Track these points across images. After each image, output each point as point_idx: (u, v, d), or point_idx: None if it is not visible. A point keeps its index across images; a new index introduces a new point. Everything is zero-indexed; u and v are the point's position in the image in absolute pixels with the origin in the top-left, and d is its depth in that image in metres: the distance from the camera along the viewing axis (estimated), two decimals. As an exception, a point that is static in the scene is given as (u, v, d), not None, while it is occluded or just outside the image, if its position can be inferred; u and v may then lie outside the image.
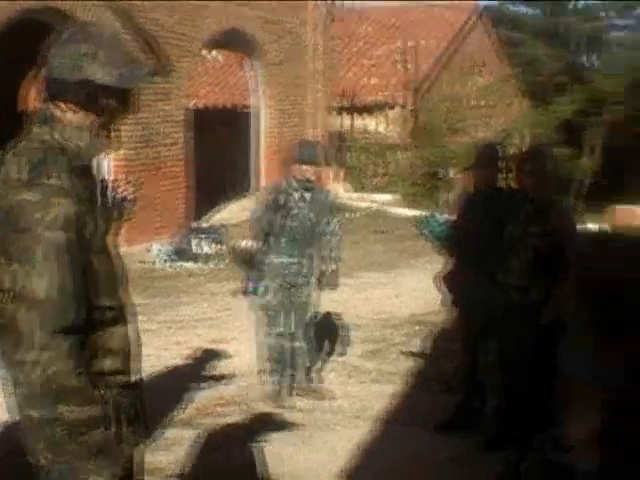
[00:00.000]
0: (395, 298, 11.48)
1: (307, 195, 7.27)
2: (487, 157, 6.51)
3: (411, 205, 20.62)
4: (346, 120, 24.52)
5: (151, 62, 4.11)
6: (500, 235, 6.04)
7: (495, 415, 6.44)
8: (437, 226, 6.90)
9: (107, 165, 13.36)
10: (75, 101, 2.85)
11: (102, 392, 2.78)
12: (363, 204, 20.34)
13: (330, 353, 8.73)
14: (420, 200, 21.55)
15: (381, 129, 24.72)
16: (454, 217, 6.94)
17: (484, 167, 6.44)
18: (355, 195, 21.59)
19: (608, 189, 24.73)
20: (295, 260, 7.26)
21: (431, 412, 6.97)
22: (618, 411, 3.18)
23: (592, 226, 9.63)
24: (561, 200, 6.66)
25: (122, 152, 13.56)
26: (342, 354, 8.81)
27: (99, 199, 2.96)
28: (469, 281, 6.39)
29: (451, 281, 6.61)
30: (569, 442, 3.72)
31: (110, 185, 3.22)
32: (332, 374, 8.15)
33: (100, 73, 2.81)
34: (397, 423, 6.95)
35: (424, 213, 6.81)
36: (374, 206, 20.12)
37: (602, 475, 3.30)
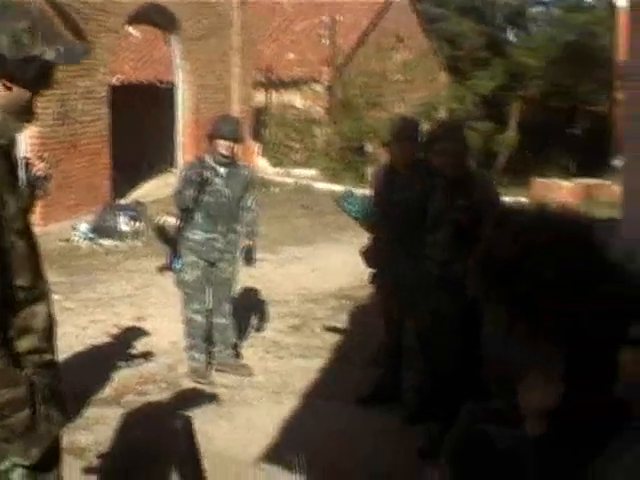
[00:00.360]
0: (318, 273, 11.47)
1: (227, 171, 7.23)
2: (404, 132, 6.45)
3: (332, 180, 20.68)
4: (266, 96, 24.42)
5: (76, 40, 4.05)
6: (418, 210, 6.07)
7: (419, 389, 6.49)
8: (354, 204, 6.84)
9: (23, 143, 13.10)
10: (16, 78, 2.76)
11: (25, 373, 2.73)
12: (287, 179, 20.35)
13: (251, 329, 8.71)
14: (340, 175, 21.60)
15: (300, 105, 24.67)
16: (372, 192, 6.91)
17: (402, 142, 6.39)
18: (278, 170, 21.58)
19: (529, 162, 25.08)
20: (214, 236, 7.22)
21: (354, 387, 6.98)
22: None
23: (509, 199, 9.74)
24: (482, 173, 6.67)
25: (38, 129, 13.35)
26: (262, 330, 8.81)
27: (19, 178, 2.91)
28: (390, 257, 6.41)
29: (371, 257, 6.62)
30: (494, 414, 3.77)
31: (25, 163, 3.15)
32: (253, 350, 8.13)
33: (42, 49, 2.74)
34: (319, 398, 6.96)
35: (343, 189, 6.69)
36: (298, 181, 20.13)
37: (527, 446, 3.34)
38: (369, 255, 6.64)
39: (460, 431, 3.60)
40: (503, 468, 3.41)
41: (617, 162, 18.35)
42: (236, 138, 7.25)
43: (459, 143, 5.62)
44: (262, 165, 21.37)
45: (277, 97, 24.67)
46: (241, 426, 6.32)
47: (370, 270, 6.71)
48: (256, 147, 21.67)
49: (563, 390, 3.03)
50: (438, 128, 5.94)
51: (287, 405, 6.73)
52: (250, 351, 8.08)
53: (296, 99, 24.76)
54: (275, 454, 5.79)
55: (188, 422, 5.40)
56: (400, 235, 6.26)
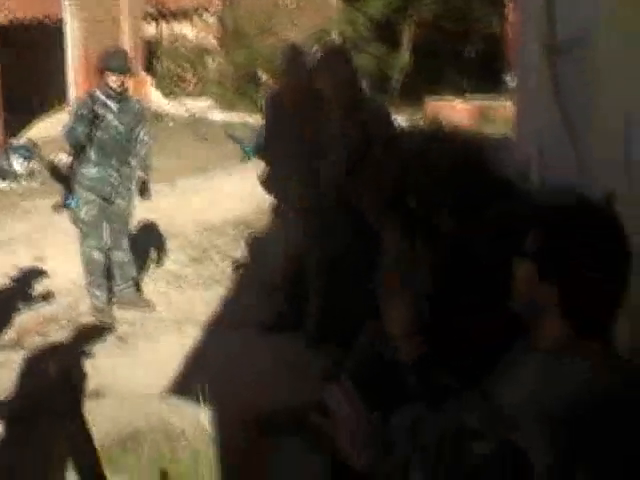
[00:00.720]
0: (216, 203, 11.36)
1: (118, 104, 7.14)
2: (292, 58, 6.43)
3: (226, 109, 20.51)
4: (157, 27, 23.99)
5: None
6: (307, 135, 6.11)
7: (318, 314, 6.55)
8: (243, 140, 6.77)
9: None
10: None
11: None
12: (181, 111, 20.10)
13: (151, 263, 8.67)
14: (235, 104, 21.41)
15: (192, 35, 24.31)
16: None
17: (291, 68, 6.36)
18: (172, 102, 21.30)
19: (424, 84, 25.17)
20: (108, 171, 7.14)
21: (256, 315, 7.05)
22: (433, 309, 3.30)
23: (404, 120, 9.78)
24: (373, 97, 6.67)
25: None
26: (162, 263, 8.77)
27: None
28: (287, 185, 6.40)
29: (269, 185, 6.61)
30: (393, 335, 3.85)
31: None
32: (153, 284, 8.10)
33: None
34: (223, 327, 7.00)
35: (237, 118, 6.63)
36: (192, 112, 19.91)
37: (424, 366, 3.43)
38: (267, 183, 6.63)
39: (359, 350, 3.68)
40: (393, 384, 3.50)
41: (508, 79, 18.57)
42: (125, 71, 7.14)
43: (346, 67, 5.61)
44: (155, 97, 21.05)
45: (168, 28, 24.25)
46: (145, 361, 6.32)
47: (270, 197, 6.71)
48: (148, 80, 21.33)
49: (428, 312, 3.11)
50: (325, 54, 5.89)
51: (190, 337, 6.75)
52: (151, 285, 8.05)
53: (187, 29, 24.38)
54: (180, 386, 5.82)
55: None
56: (291, 161, 6.27)
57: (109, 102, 7.08)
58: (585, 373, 2.21)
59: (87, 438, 5.01)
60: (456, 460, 2.17)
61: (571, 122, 4.66)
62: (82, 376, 5.89)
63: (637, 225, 2.69)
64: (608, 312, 2.37)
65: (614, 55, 3.36)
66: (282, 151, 6.42)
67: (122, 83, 7.11)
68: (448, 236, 3.40)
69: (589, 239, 2.29)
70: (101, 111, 7.01)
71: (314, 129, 6.08)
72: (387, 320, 3.00)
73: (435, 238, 3.51)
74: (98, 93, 7.14)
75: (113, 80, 7.03)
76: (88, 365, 6.10)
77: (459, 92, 23.37)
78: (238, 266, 8.58)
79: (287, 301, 6.87)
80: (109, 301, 7.36)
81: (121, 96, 7.14)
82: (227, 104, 21.60)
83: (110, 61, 7.10)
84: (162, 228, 9.71)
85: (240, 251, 9.08)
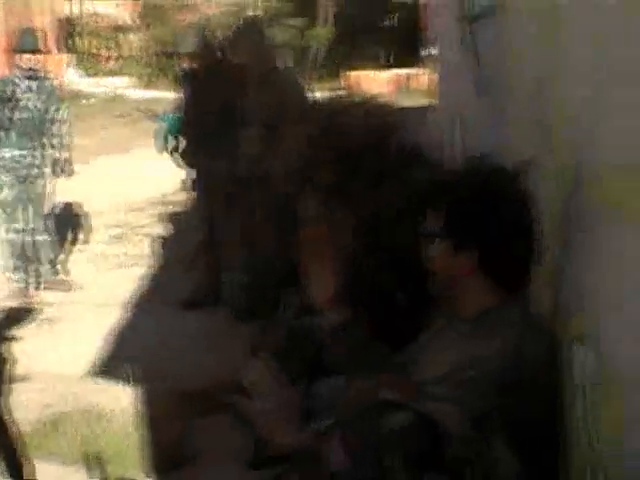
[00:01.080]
0: (136, 181, 11.22)
1: (33, 84, 7.02)
2: (203, 36, 6.31)
3: (146, 87, 20.31)
4: (75, 5, 23.61)
5: None
6: (224, 109, 6.07)
7: (241, 289, 6.53)
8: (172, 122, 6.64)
9: None
10: None
11: None
12: (101, 89, 19.84)
13: (71, 243, 8.56)
14: (155, 81, 21.21)
15: (110, 12, 23.98)
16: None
17: (203, 44, 6.26)
18: (90, 80, 21.01)
19: (344, 56, 25.15)
20: (27, 152, 7.04)
21: (177, 291, 7.03)
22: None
23: (324, 92, 9.74)
24: (288, 69, 6.62)
25: None
26: (83, 243, 8.67)
27: None
28: (204, 157, 6.34)
29: (188, 159, 6.54)
30: (313, 304, 3.85)
31: None
32: (75, 264, 8.00)
33: None
34: (147, 305, 6.96)
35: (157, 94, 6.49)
36: (112, 90, 19.67)
37: (342, 330, 3.43)
38: (186, 157, 6.56)
39: (280, 321, 3.68)
40: (316, 353, 3.51)
41: (428, 49, 18.63)
42: (36, 50, 7.04)
43: (260, 39, 5.57)
44: (74, 76, 20.75)
45: (86, 5, 23.88)
46: (67, 342, 6.23)
47: (189, 173, 6.63)
48: (64, 58, 21.00)
49: (342, 279, 3.13)
50: (238, 27, 5.84)
51: (115, 316, 6.67)
52: (72, 265, 7.94)
53: (105, 6, 24.04)
54: (107, 367, 5.76)
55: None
56: (209, 134, 6.21)
57: (23, 82, 6.96)
58: (505, 344, 2.25)
59: (10, 422, 4.94)
60: (374, 432, 2.18)
61: (488, 89, 4.69)
62: (7, 360, 5.80)
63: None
64: (523, 272, 2.42)
65: (526, 21, 3.39)
66: (200, 126, 6.35)
67: (35, 62, 7.00)
68: (360, 205, 3.43)
69: (496, 205, 2.33)
70: (16, 92, 6.90)
71: (230, 102, 6.06)
72: (311, 287, 3.00)
73: (348, 205, 3.53)
74: (13, 73, 7.04)
75: (25, 60, 6.93)
76: (14, 349, 6.01)
77: (379, 63, 23.41)
78: (158, 243, 8.50)
79: (207, 277, 6.82)
80: (33, 283, 7.24)
81: (35, 75, 7.03)
82: (147, 81, 21.38)
83: (20, 41, 7.01)
84: (83, 208, 9.57)
85: (161, 229, 8.99)
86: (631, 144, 1.63)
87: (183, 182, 6.91)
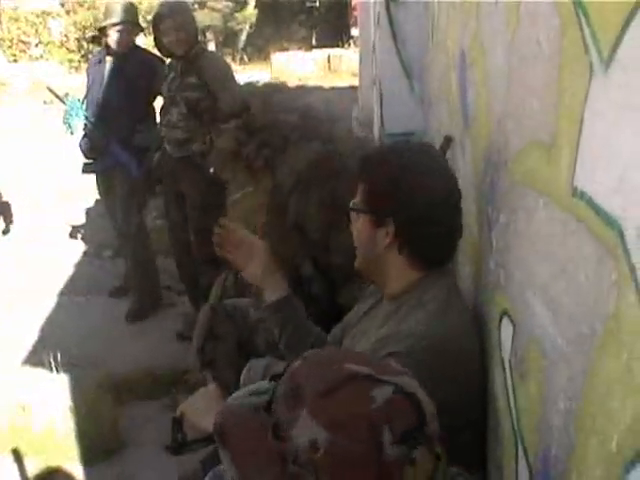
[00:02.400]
0: (47, 172, 11.03)
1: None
2: (121, 14, 6.15)
3: (71, 72, 20.05)
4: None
5: None
6: (126, 96, 6.02)
7: (132, 287, 6.50)
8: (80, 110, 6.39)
9: None
10: None
11: None
12: (25, 75, 19.52)
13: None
14: (79, 66, 20.96)
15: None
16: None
17: (120, 26, 6.11)
18: (16, 67, 20.67)
19: (270, 38, 25.13)
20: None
21: (103, 279, 7.03)
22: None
23: (251, 75, 9.69)
24: (211, 51, 6.53)
25: None
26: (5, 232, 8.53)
27: None
28: (105, 144, 6.20)
29: (86, 148, 6.35)
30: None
31: None
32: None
33: None
34: (72, 294, 6.90)
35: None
36: (37, 77, 19.36)
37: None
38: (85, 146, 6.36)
39: (211, 306, 3.66)
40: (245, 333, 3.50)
41: (353, 29, 18.67)
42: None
43: (184, 20, 5.49)
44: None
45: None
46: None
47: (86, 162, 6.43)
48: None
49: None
50: (162, 7, 5.73)
51: (39, 307, 6.59)
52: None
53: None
54: (33, 358, 5.69)
55: None
56: (111, 120, 6.11)
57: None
58: (421, 325, 2.26)
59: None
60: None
61: (409, 68, 4.72)
62: None
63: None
64: (444, 248, 2.45)
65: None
66: (100, 111, 6.21)
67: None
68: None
69: (416, 180, 2.34)
70: None
71: (133, 87, 6.02)
72: (244, 270, 2.99)
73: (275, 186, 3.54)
74: None
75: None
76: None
77: (306, 45, 23.41)
78: (79, 232, 8.41)
79: (127, 264, 6.76)
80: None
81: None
82: (71, 66, 21.12)
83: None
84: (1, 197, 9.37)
85: (80, 218, 8.86)
86: (543, 121, 1.64)
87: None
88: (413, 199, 2.33)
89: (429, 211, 2.36)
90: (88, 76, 6.38)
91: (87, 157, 6.30)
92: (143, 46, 6.64)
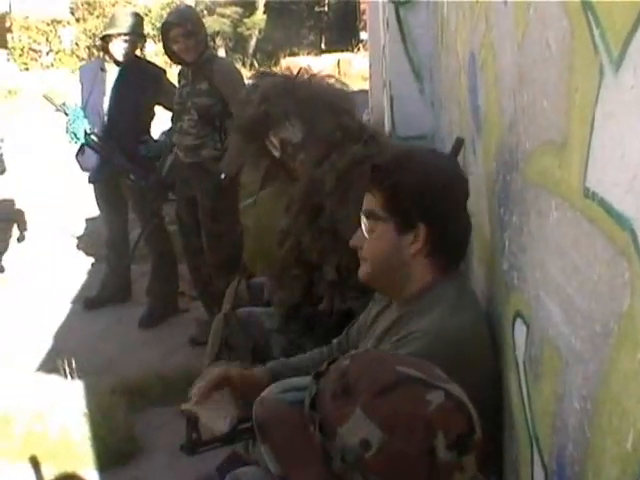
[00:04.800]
0: (59, 179, 10.98)
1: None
2: (127, 25, 6.15)
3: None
4: (4, 0, 23.26)
5: None
6: (133, 106, 6.04)
7: (149, 293, 6.50)
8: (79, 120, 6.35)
9: None
10: None
11: None
12: (37, 84, 19.58)
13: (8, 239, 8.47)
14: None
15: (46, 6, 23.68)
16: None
17: (127, 37, 6.10)
18: (27, 75, 20.73)
19: (279, 42, 25.15)
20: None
21: (83, 290, 7.09)
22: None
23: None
24: (222, 58, 6.52)
25: None
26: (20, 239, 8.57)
27: None
28: (109, 155, 6.23)
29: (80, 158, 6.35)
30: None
31: None
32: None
33: None
34: (53, 302, 6.91)
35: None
36: (48, 84, 19.41)
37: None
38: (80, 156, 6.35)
39: (225, 315, 3.67)
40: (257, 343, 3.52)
41: (363, 33, 18.68)
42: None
43: (193, 27, 5.48)
44: (10, 71, 20.47)
45: (18, 1, 23.54)
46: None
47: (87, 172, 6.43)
48: (0, 54, 20.71)
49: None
50: (170, 15, 5.73)
51: (44, 313, 6.63)
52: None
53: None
54: (48, 364, 5.71)
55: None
56: (115, 134, 6.13)
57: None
58: (434, 326, 2.26)
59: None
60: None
61: (419, 70, 4.72)
62: None
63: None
64: (461, 250, 2.46)
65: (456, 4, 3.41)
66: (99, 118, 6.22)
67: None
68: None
69: (439, 183, 2.35)
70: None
71: (135, 97, 6.05)
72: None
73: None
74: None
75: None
76: None
77: (316, 49, 23.42)
78: (70, 241, 8.43)
79: (111, 276, 6.78)
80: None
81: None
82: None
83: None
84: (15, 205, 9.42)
85: (76, 228, 8.87)
86: (555, 122, 1.65)
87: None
88: (441, 201, 2.34)
89: (455, 211, 2.38)
90: (83, 84, 6.34)
91: (84, 170, 6.33)
92: (153, 53, 6.67)
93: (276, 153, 3.55)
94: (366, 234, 2.42)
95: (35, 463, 4.52)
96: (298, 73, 3.72)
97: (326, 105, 3.51)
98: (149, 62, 6.49)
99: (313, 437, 1.51)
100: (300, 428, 1.53)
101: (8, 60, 21.42)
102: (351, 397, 1.48)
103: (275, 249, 3.68)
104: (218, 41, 26.24)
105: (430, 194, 2.32)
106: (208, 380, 2.56)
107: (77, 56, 22.50)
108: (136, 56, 6.29)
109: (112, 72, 6.17)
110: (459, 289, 2.39)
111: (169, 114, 5.98)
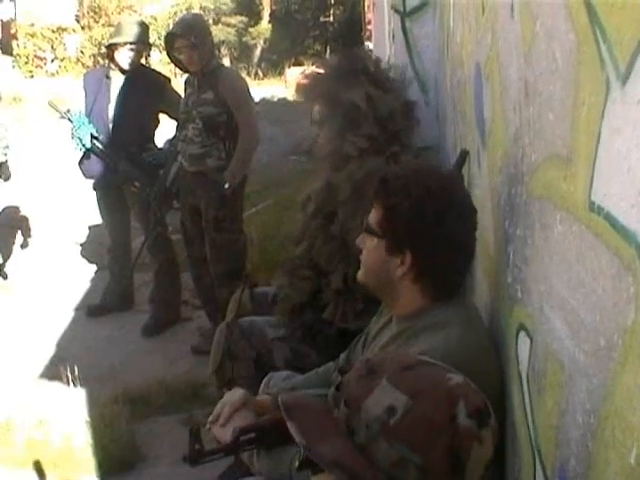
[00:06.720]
0: (63, 186, 10.97)
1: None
2: (133, 33, 6.15)
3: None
4: (10, 7, 23.32)
5: None
6: (136, 113, 6.05)
7: (152, 301, 6.51)
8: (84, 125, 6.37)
9: None
10: None
11: None
12: (42, 91, 19.61)
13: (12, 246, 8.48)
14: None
15: (51, 13, 23.71)
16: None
17: (133, 45, 6.10)
18: (32, 83, 20.74)
19: (284, 52, 25.16)
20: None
21: (86, 297, 7.10)
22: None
23: (266, 89, 9.70)
24: (227, 67, 6.50)
25: None
26: (24, 246, 8.56)
27: None
28: (111, 161, 6.25)
29: (84, 165, 6.36)
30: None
31: None
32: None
33: None
34: (56, 309, 6.92)
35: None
36: (54, 92, 19.44)
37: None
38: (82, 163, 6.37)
39: (228, 325, 3.67)
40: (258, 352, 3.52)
41: (368, 44, 18.67)
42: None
43: (198, 38, 5.47)
44: (15, 79, 20.49)
45: (24, 8, 23.59)
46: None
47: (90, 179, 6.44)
48: (6, 61, 20.74)
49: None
50: (175, 26, 5.73)
51: (47, 321, 6.64)
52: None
53: (46, 8, 23.76)
54: (51, 372, 5.71)
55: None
56: (121, 141, 6.15)
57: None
58: (439, 347, 2.21)
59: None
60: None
61: (424, 82, 4.73)
62: None
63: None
64: (457, 279, 2.42)
65: (463, 11, 3.41)
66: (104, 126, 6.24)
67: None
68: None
69: (438, 214, 2.29)
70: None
71: (141, 104, 6.07)
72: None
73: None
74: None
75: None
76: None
77: (319, 58, 23.39)
78: (70, 249, 8.43)
79: (115, 284, 6.78)
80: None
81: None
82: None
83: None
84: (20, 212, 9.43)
85: (83, 236, 8.88)
86: (560, 136, 1.65)
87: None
88: (435, 233, 2.28)
89: (450, 244, 2.31)
90: (86, 91, 6.36)
91: (87, 177, 6.35)
92: (159, 62, 6.70)
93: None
94: (365, 245, 2.42)
95: (37, 470, 4.52)
96: None
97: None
98: (154, 70, 6.52)
99: (337, 418, 1.58)
100: (324, 412, 1.62)
101: (13, 67, 21.43)
102: (376, 374, 1.56)
103: (292, 246, 3.72)
104: (223, 50, 26.26)
105: (422, 223, 2.27)
106: (232, 403, 2.56)
107: (82, 64, 22.51)
108: (141, 64, 6.31)
109: (117, 80, 6.19)
110: (460, 309, 2.35)
111: (173, 122, 6.01)
